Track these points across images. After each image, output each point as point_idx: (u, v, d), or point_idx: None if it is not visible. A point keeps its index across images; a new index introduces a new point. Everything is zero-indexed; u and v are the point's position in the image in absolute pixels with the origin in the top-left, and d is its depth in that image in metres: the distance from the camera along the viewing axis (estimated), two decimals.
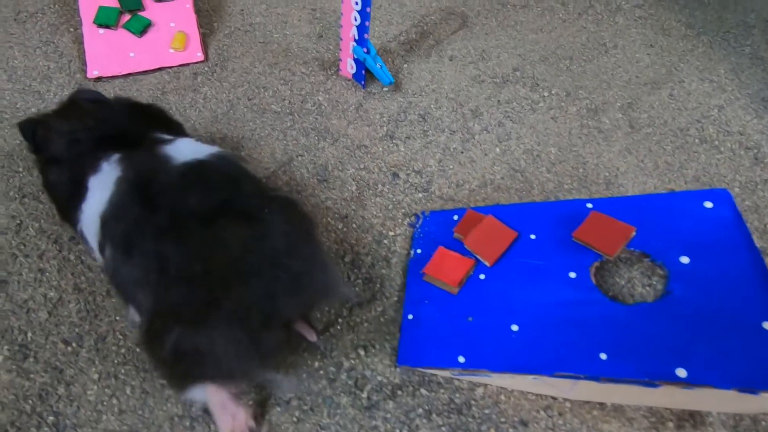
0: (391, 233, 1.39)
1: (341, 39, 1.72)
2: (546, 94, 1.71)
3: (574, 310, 1.05)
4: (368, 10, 1.60)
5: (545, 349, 1.02)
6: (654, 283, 1.16)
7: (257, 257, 0.90)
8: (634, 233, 1.11)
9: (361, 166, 1.55)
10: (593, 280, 1.09)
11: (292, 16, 2.14)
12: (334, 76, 1.81)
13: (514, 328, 1.07)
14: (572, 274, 1.10)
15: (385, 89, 1.75)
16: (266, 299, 0.89)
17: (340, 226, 1.41)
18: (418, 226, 1.37)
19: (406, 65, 1.84)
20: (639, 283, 1.16)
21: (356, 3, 1.61)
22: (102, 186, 1.04)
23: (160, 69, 1.96)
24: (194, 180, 1.00)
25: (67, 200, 1.14)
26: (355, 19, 1.64)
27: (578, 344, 1.01)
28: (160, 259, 0.90)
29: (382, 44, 1.95)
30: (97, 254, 1.09)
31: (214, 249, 0.89)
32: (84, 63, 1.99)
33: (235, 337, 0.87)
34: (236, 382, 1.01)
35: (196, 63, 1.97)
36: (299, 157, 1.58)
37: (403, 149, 1.58)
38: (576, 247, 1.14)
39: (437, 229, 1.32)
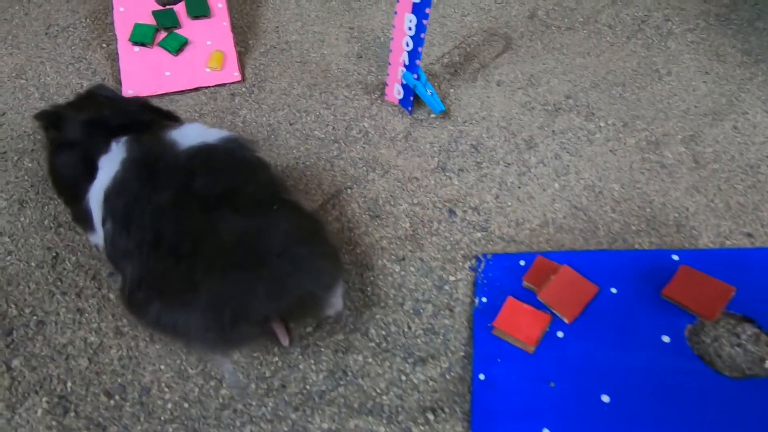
0: (452, 278, 1.23)
1: (389, 64, 1.58)
2: (602, 124, 1.57)
3: (672, 382, 0.91)
4: (422, 36, 1.46)
5: (643, 427, 0.89)
6: (763, 354, 1.01)
7: (246, 252, 0.88)
8: (733, 293, 0.98)
9: (414, 201, 1.39)
10: (690, 346, 0.95)
11: (329, 34, 2.00)
12: (379, 101, 1.67)
13: (605, 399, 0.93)
14: (665, 338, 0.96)
15: (433, 116, 1.61)
16: (243, 295, 0.86)
17: (397, 269, 1.25)
18: (480, 270, 1.22)
19: (452, 90, 1.70)
20: (744, 354, 1.02)
21: (409, 29, 1.46)
22: (110, 165, 1.01)
23: (196, 89, 1.82)
24: (201, 163, 0.97)
25: (76, 180, 1.09)
26: (407, 45, 1.50)
27: (680, 423, 0.87)
28: (154, 234, 0.90)
29: (426, 66, 1.81)
30: (98, 229, 1.04)
31: (208, 234, 0.88)
32: (118, 81, 1.85)
33: (205, 324, 0.87)
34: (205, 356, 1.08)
35: (233, 83, 1.83)
36: (348, 190, 1.43)
37: (456, 183, 1.44)
38: (665, 306, 1.00)
39: (503, 276, 1.18)
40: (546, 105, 1.64)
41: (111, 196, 0.99)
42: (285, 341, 1.13)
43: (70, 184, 1.12)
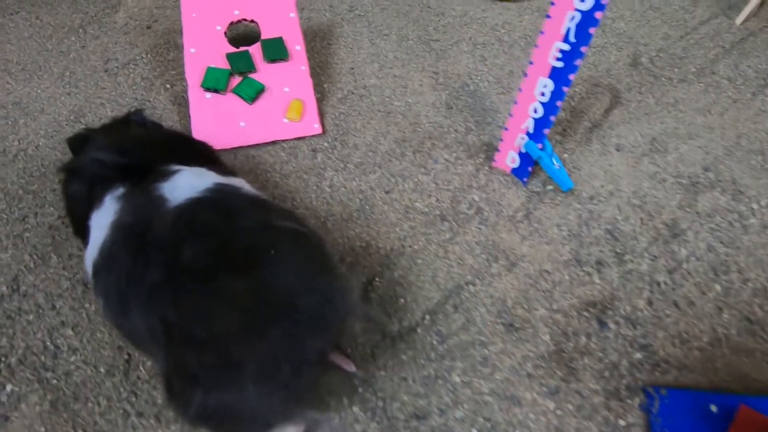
0: (621, 422, 0.91)
1: (505, 129, 1.27)
2: (754, 205, 1.26)
3: None
4: (558, 104, 1.15)
5: None
6: None
7: (269, 305, 0.75)
8: None
9: (553, 306, 1.07)
10: None
11: (411, 79, 1.70)
12: (487, 168, 1.36)
13: None
14: None
15: (549, 187, 1.31)
16: (291, 345, 0.75)
17: (551, 407, 0.94)
18: (654, 411, 0.92)
19: (566, 155, 1.40)
20: None
21: (542, 94, 1.16)
22: (99, 226, 0.88)
23: (273, 142, 1.53)
24: (185, 226, 0.81)
25: (79, 215, 0.97)
26: (535, 111, 1.20)
27: None
28: (160, 320, 0.76)
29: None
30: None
31: (217, 308, 0.74)
32: (187, 130, 1.57)
33: (266, 391, 0.74)
34: (275, 428, 0.84)
35: (314, 136, 1.54)
36: (469, 286, 1.11)
37: (597, 281, 1.13)
38: None
39: (687, 422, 0.89)
40: (680, 177, 1.32)
41: (101, 271, 0.85)
42: (350, 367, 1.01)
43: (75, 217, 1.01)
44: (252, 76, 1.55)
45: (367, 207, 1.29)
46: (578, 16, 1.02)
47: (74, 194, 0.98)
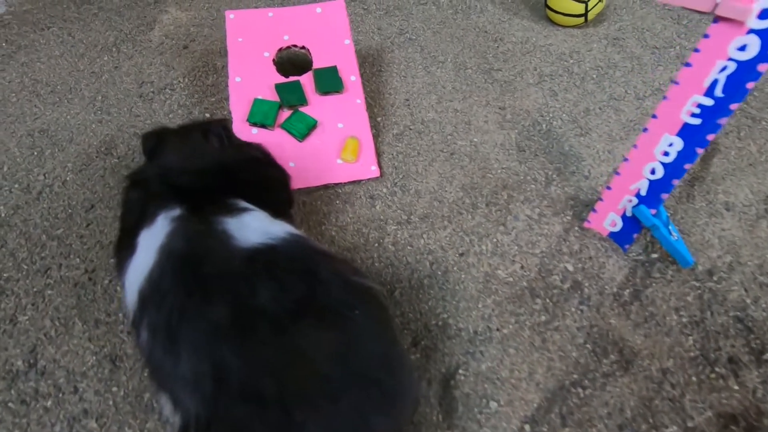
0: None
1: (608, 188, 1.02)
2: None
3: None
4: (686, 167, 0.90)
5: None
6: None
7: (348, 370, 0.63)
8: None
9: (687, 423, 0.80)
10: None
11: (474, 115, 1.45)
12: (577, 229, 1.12)
13: None
14: None
15: (654, 256, 1.06)
16: (358, 421, 0.62)
17: None
18: None
19: (669, 213, 1.15)
20: None
21: (665, 153, 0.90)
22: (148, 247, 0.74)
23: (325, 186, 1.29)
24: (264, 270, 0.68)
25: (128, 235, 0.81)
26: (653, 172, 0.95)
27: None
28: (216, 365, 0.61)
29: (604, 169, 1.25)
30: (128, 306, 0.75)
31: (294, 361, 0.61)
32: None
33: None
34: None
35: (371, 180, 1.30)
36: (578, 389, 0.84)
37: (735, 386, 0.83)
38: None
39: None
40: None
41: (147, 300, 0.70)
42: None
43: (125, 230, 0.84)
44: (303, 109, 1.31)
45: (439, 273, 1.04)
46: (732, 67, 0.76)
47: (131, 206, 0.85)
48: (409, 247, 1.08)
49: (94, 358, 0.93)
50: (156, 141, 0.93)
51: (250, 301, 0.64)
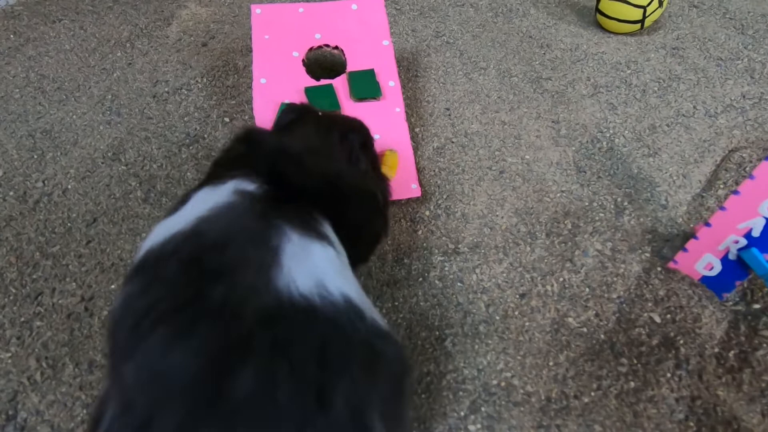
0: None
1: (707, 224, 0.83)
2: None
3: None
4: None
5: None
6: None
7: None
8: None
9: None
10: None
11: (525, 128, 1.27)
12: (660, 270, 0.93)
13: None
14: None
15: (755, 306, 0.87)
16: None
17: None
18: None
19: None
20: None
21: None
22: (195, 206, 0.55)
23: None
24: (271, 347, 0.43)
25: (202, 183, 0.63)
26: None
27: None
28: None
29: (674, 202, 1.05)
30: None
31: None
32: None
33: None
34: None
35: (411, 200, 1.12)
36: None
37: None
38: None
39: None
40: None
41: (142, 270, 0.52)
42: None
43: (209, 174, 0.68)
44: None
45: (497, 317, 0.86)
46: None
47: (223, 155, 0.69)
48: (459, 284, 0.90)
49: (85, 411, 0.75)
50: (294, 117, 0.77)
51: (229, 372, 0.43)
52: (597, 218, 0.99)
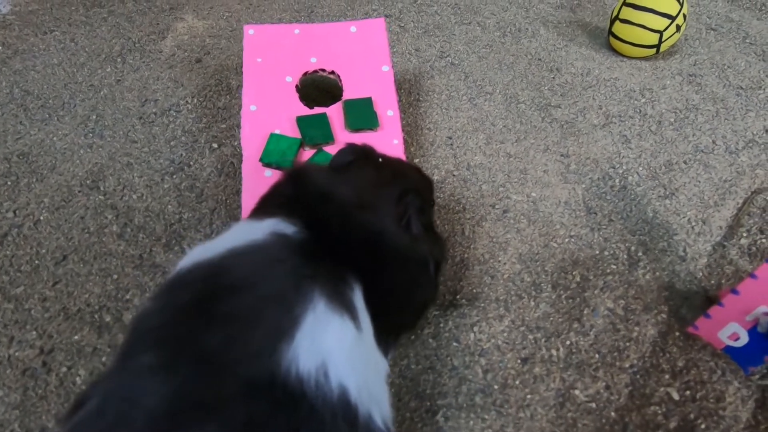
0: None
1: (733, 291, 0.73)
2: None
3: None
4: None
5: None
6: None
7: None
8: None
9: None
10: None
11: (532, 162, 1.16)
12: (678, 336, 0.82)
13: None
14: None
15: None
16: None
17: None
18: None
19: None
20: None
21: None
22: (226, 239, 0.52)
23: None
24: (243, 424, 0.38)
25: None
26: None
27: None
28: None
29: (702, 247, 0.95)
30: None
31: None
32: (232, 216, 1.07)
33: None
34: None
35: None
36: None
37: None
38: None
39: None
40: None
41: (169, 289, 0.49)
42: None
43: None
44: (328, 149, 1.04)
45: (495, 386, 0.76)
46: None
47: (273, 193, 0.63)
48: (455, 344, 0.80)
49: None
50: (353, 159, 0.67)
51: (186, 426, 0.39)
52: (608, 270, 0.88)
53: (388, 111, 1.06)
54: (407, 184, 0.63)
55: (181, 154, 1.14)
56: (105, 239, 0.95)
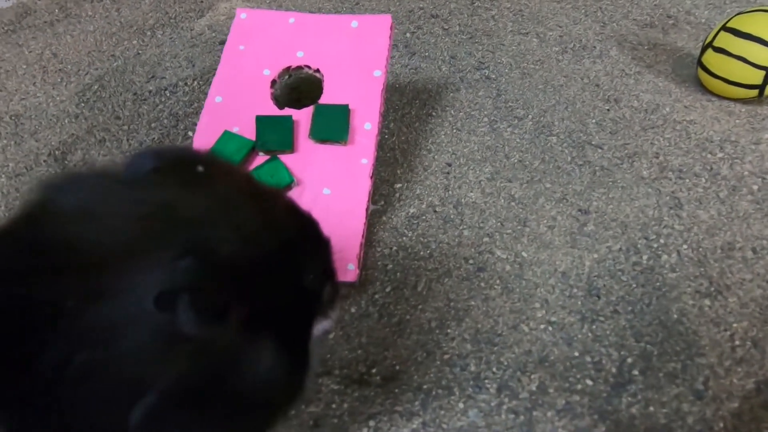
0: None
1: None
2: None
3: None
4: None
5: None
6: None
7: None
8: None
9: None
10: None
11: (537, 212, 0.89)
12: None
13: None
14: None
15: None
16: None
17: None
18: None
19: None
20: None
21: None
22: None
23: None
24: None
25: None
26: None
27: None
28: None
29: (731, 396, 0.64)
30: None
31: None
32: None
33: None
34: None
35: (342, 284, 0.82)
36: None
37: None
38: None
39: None
40: None
41: None
42: None
43: None
44: (283, 158, 0.87)
45: None
46: None
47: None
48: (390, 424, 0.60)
49: None
50: (156, 167, 0.43)
51: None
52: (580, 387, 0.62)
53: (366, 124, 0.87)
54: (208, 234, 0.36)
55: (154, 138, 1.05)
56: None
